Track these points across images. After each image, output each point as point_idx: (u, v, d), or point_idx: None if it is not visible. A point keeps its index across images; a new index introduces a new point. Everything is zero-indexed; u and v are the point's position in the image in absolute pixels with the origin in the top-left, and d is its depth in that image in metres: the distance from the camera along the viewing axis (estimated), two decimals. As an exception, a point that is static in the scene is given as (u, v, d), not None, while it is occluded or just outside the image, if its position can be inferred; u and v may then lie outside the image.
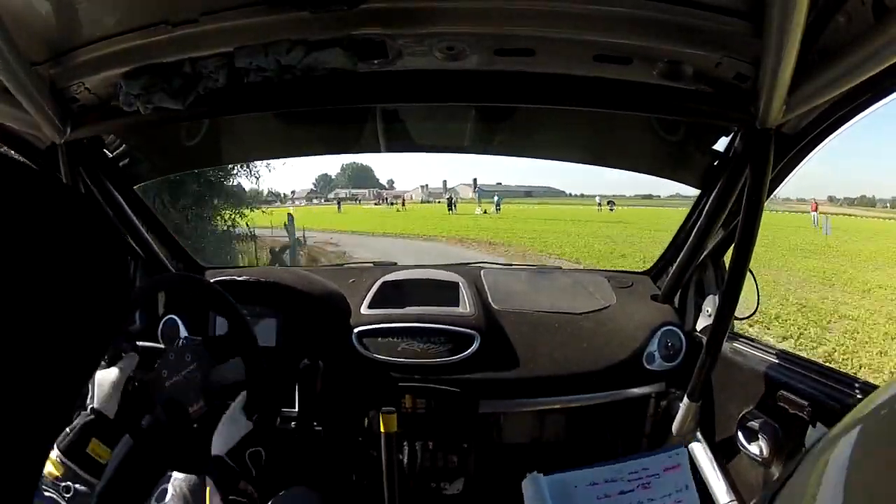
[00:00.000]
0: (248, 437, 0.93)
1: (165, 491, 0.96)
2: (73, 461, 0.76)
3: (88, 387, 0.87)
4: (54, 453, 0.76)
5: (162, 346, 1.18)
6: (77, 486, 0.75)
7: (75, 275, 0.39)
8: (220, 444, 0.92)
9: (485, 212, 33.92)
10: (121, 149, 1.46)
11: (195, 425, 1.03)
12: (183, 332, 1.51)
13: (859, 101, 1.01)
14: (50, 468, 0.75)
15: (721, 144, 1.37)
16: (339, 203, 46.61)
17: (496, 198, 39.83)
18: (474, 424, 1.53)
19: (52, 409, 0.38)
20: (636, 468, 1.27)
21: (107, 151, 1.43)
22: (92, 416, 0.82)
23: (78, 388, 0.41)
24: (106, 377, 0.87)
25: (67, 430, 0.79)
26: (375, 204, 60.74)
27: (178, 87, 1.05)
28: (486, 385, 1.51)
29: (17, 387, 0.35)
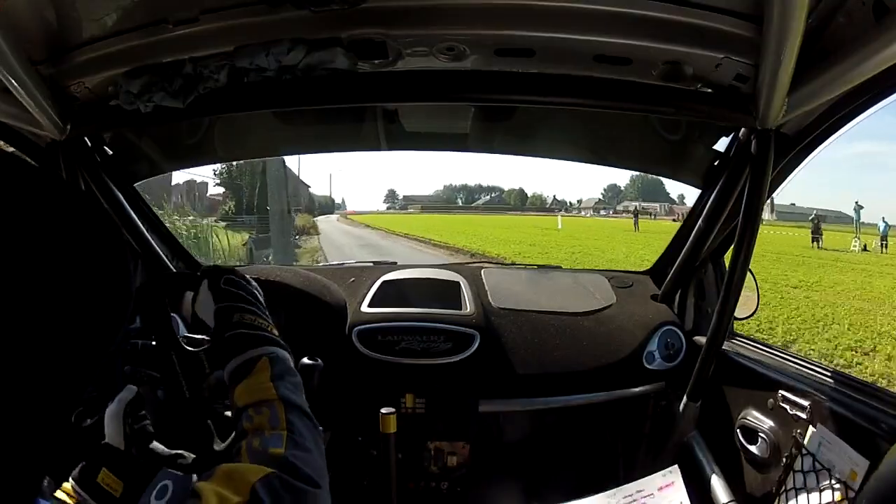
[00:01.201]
0: (210, 283, 0.87)
1: (166, 487, 0.96)
2: (85, 490, 0.76)
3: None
4: (69, 483, 0.76)
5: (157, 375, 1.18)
6: None
7: (74, 272, 0.39)
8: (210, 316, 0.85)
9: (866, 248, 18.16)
10: (121, 147, 1.46)
11: (193, 424, 1.04)
12: (182, 332, 1.51)
13: (860, 102, 1.01)
14: (64, 497, 0.74)
15: (721, 144, 1.37)
16: (636, 217, 33.43)
17: (883, 226, 19.33)
18: (474, 424, 1.53)
19: (52, 408, 0.39)
20: (631, 491, 1.28)
21: (107, 149, 1.44)
22: (103, 450, 0.83)
23: (79, 385, 0.41)
24: (110, 411, 0.87)
25: (83, 463, 0.79)
26: (674, 220, 43.89)
27: (178, 87, 1.05)
28: (486, 384, 1.51)
29: (16, 384, 0.35)
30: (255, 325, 0.78)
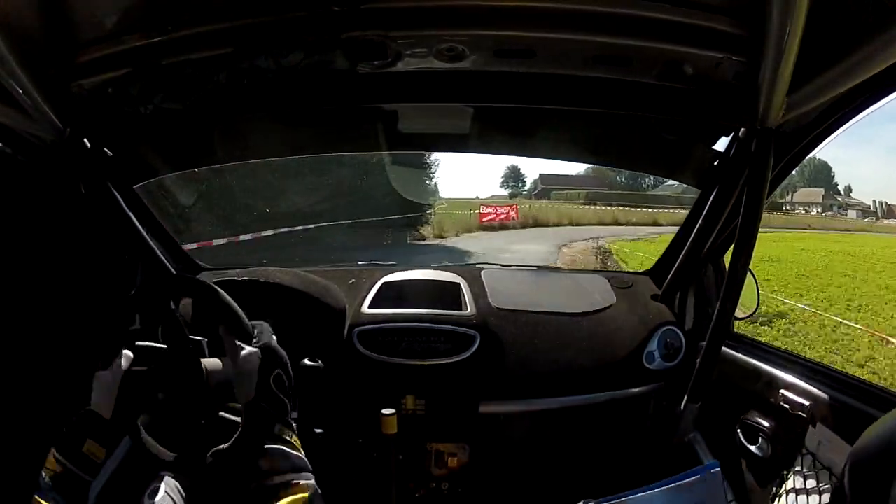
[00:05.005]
0: (261, 365, 0.89)
1: (157, 489, 0.97)
2: (68, 460, 0.77)
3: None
4: (51, 455, 0.77)
5: (162, 345, 1.18)
6: (72, 483, 0.76)
7: (72, 273, 0.39)
8: (243, 391, 0.88)
9: None
10: (121, 149, 1.46)
11: (192, 425, 1.04)
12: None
13: (859, 101, 1.02)
14: (47, 465, 0.76)
15: (721, 144, 1.37)
16: None
17: None
18: (474, 425, 1.53)
19: (47, 405, 0.39)
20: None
21: (107, 151, 1.43)
22: (87, 416, 0.83)
23: (77, 383, 0.41)
24: (101, 377, 0.87)
25: (64, 429, 0.80)
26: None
27: (178, 88, 1.05)
28: (487, 385, 1.51)
29: (15, 382, 0.35)
30: (294, 445, 0.83)
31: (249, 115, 1.34)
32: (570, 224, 20.69)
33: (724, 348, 1.39)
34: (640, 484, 1.29)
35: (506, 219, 18.07)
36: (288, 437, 0.83)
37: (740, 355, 1.40)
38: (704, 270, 1.60)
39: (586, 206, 27.21)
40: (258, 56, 0.97)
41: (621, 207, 26.36)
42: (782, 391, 1.18)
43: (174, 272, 1.66)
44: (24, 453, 0.38)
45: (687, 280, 1.63)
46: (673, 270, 1.62)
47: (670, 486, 1.20)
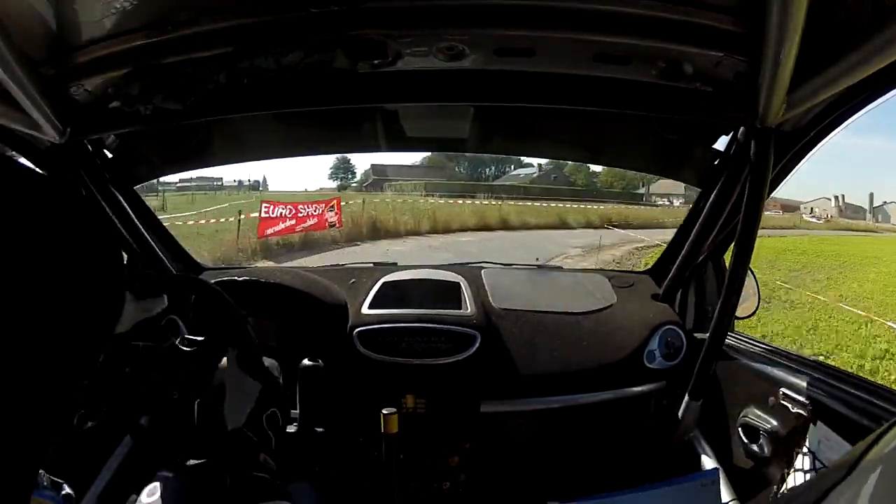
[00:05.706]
0: (260, 398, 0.93)
1: (156, 489, 0.98)
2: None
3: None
4: None
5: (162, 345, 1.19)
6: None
7: (71, 274, 0.39)
8: (234, 416, 0.91)
9: None
10: (121, 149, 1.46)
11: (193, 424, 1.04)
12: (183, 332, 1.51)
13: (859, 99, 1.02)
14: None
15: (721, 143, 1.37)
16: None
17: None
18: (475, 424, 1.53)
19: (47, 403, 0.39)
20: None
21: (107, 152, 1.43)
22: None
23: (74, 380, 0.41)
24: (130, 303, 0.90)
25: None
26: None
27: (178, 88, 1.05)
28: (488, 385, 1.51)
29: (11, 380, 0.35)
30: (276, 474, 0.93)
31: (249, 115, 1.34)
32: (437, 230, 12.48)
33: (725, 347, 1.39)
34: (641, 483, 1.29)
35: (316, 226, 10.80)
36: (271, 467, 0.90)
37: (741, 354, 1.40)
38: (705, 269, 1.60)
39: (460, 201, 18.93)
40: (258, 56, 0.97)
41: (512, 202, 18.76)
42: (783, 390, 1.18)
43: (175, 272, 1.67)
44: (22, 452, 0.38)
45: (687, 279, 1.63)
46: (673, 269, 1.62)
47: (662, 488, 1.20)
